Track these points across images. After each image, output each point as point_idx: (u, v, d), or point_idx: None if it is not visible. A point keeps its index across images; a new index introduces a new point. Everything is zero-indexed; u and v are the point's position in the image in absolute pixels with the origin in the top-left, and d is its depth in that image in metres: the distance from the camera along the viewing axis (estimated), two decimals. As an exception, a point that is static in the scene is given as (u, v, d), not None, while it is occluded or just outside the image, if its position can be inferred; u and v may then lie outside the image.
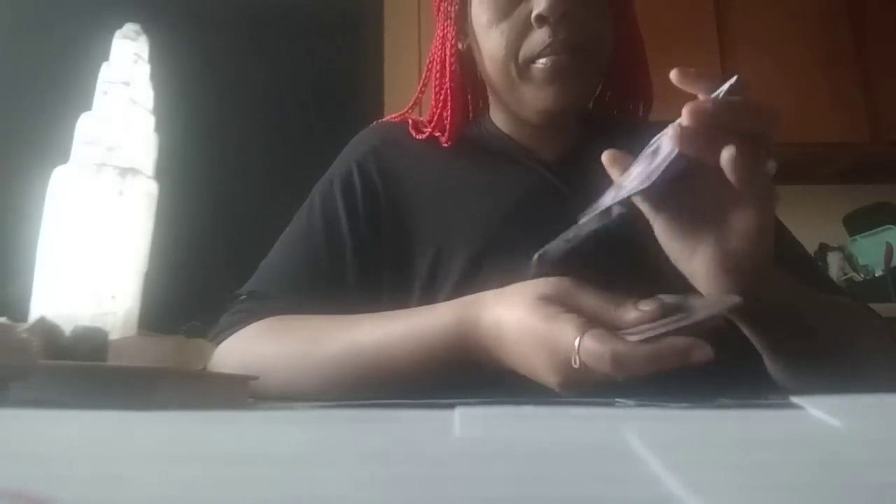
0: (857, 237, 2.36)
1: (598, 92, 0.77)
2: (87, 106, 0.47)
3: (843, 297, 0.69)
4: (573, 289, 0.48)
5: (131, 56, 0.49)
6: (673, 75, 0.46)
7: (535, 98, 0.69)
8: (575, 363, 0.43)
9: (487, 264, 0.55)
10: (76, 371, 0.37)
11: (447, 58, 0.74)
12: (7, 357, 0.33)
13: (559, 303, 0.47)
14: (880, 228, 2.29)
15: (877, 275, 2.24)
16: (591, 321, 0.44)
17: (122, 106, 0.48)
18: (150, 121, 0.49)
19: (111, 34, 0.49)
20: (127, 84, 0.48)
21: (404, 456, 0.20)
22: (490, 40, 0.70)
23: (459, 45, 0.74)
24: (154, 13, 1.02)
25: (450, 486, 0.16)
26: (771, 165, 0.45)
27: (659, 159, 0.46)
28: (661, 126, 0.48)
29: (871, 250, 2.29)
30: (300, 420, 0.33)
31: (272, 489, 0.16)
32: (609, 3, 0.70)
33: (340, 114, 2.00)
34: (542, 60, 0.66)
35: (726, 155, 0.42)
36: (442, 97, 0.75)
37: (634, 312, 0.44)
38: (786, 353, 0.56)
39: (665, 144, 0.46)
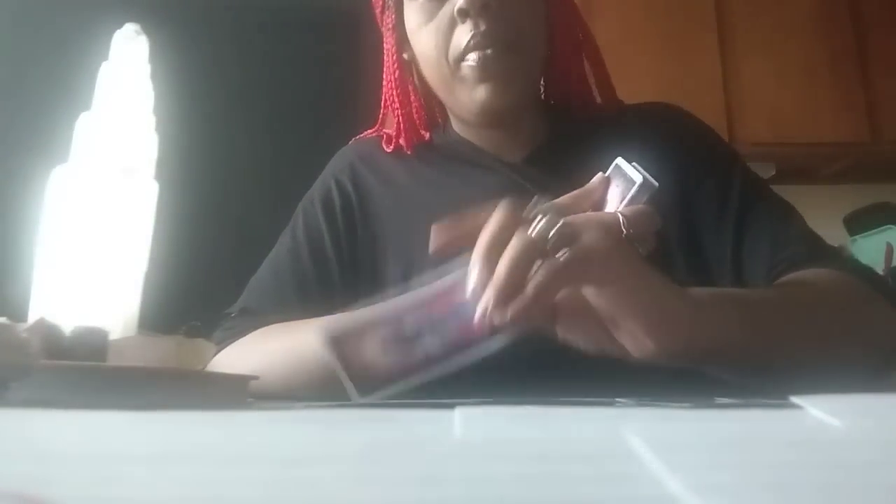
0: (857, 237, 2.36)
1: (541, 88, 0.76)
2: (87, 106, 0.47)
3: (840, 271, 0.62)
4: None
5: (131, 56, 0.49)
6: None
7: (471, 98, 0.69)
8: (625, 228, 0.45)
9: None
10: (76, 371, 0.37)
11: (390, 68, 0.76)
12: (7, 357, 0.33)
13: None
14: (880, 228, 2.28)
15: (877, 275, 2.24)
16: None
17: (122, 106, 0.48)
18: (150, 121, 0.49)
19: (111, 34, 0.49)
20: (127, 84, 0.48)
21: (404, 456, 0.20)
22: (421, 43, 0.71)
23: (405, 56, 0.75)
24: (154, 13, 1.02)
25: (450, 486, 0.16)
26: None
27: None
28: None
29: (871, 250, 2.29)
30: (300, 420, 0.33)
31: (272, 489, 0.16)
32: None
33: (340, 114, 1.99)
34: (471, 56, 0.66)
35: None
36: (390, 108, 0.77)
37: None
38: (760, 383, 0.54)
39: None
